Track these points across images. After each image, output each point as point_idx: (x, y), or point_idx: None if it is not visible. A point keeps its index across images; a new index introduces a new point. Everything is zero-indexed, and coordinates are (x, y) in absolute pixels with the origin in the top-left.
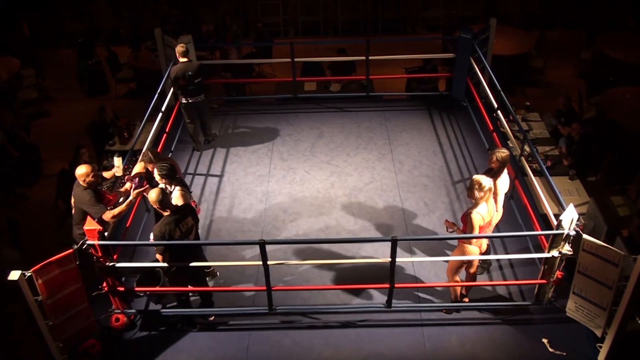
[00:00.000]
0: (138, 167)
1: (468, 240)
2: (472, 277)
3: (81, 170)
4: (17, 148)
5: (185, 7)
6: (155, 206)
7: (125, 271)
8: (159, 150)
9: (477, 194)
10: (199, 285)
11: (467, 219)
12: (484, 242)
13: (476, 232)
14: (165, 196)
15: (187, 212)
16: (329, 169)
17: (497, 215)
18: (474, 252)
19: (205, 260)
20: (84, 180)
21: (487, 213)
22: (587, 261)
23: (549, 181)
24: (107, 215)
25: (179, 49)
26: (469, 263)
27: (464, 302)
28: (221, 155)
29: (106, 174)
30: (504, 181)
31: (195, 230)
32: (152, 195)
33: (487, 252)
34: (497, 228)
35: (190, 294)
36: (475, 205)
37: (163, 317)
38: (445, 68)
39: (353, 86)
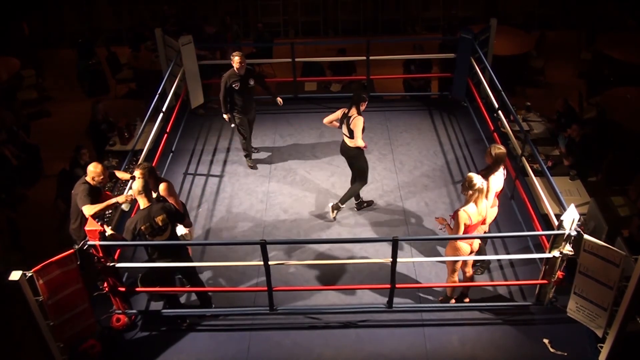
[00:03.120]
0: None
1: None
2: (468, 275)
3: (92, 166)
4: (17, 148)
5: (185, 7)
6: (135, 194)
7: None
8: (160, 149)
9: (466, 191)
10: (193, 281)
11: (455, 216)
12: (476, 241)
13: (461, 230)
14: (146, 187)
15: (164, 210)
16: (329, 169)
17: (492, 213)
18: (464, 249)
19: (190, 261)
20: (92, 178)
21: (477, 213)
22: (588, 261)
23: (549, 181)
24: (86, 211)
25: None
26: (464, 261)
27: (465, 302)
28: (222, 156)
29: (119, 175)
30: (497, 179)
31: (171, 229)
32: (135, 185)
33: (481, 251)
34: (497, 227)
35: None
36: (465, 203)
37: (164, 317)
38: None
39: (353, 86)
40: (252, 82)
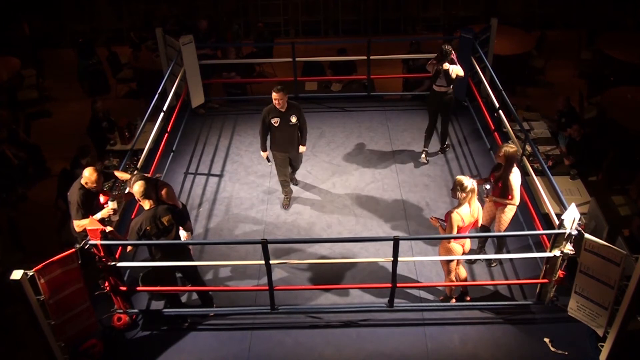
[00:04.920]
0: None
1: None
2: (462, 277)
3: (87, 172)
4: (17, 147)
5: (185, 7)
6: (138, 197)
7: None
8: (160, 148)
9: (459, 194)
10: (194, 281)
11: (447, 218)
12: (467, 242)
13: (454, 232)
14: (148, 188)
15: (169, 210)
16: (330, 169)
17: (512, 209)
18: (457, 250)
19: (192, 261)
20: (85, 182)
21: (469, 215)
22: (588, 260)
23: (550, 181)
24: (76, 225)
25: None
26: (458, 261)
27: (466, 300)
28: (222, 155)
29: (119, 174)
30: (516, 176)
31: (175, 230)
32: (135, 187)
33: (501, 245)
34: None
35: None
36: (459, 205)
37: (165, 317)
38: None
39: (354, 86)
40: (294, 120)
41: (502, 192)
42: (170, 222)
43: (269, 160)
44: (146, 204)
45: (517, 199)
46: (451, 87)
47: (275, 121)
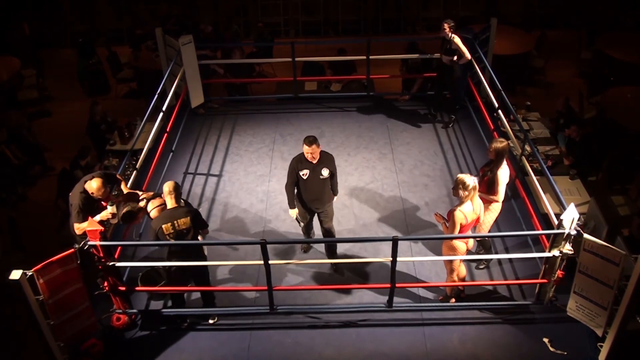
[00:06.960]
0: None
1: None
2: (462, 276)
3: (95, 184)
4: (20, 148)
5: (185, 7)
6: (168, 196)
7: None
8: (160, 148)
9: (461, 192)
10: (201, 285)
11: (450, 216)
12: (471, 239)
13: (457, 230)
14: (177, 189)
15: (189, 213)
16: None
17: (497, 206)
18: (461, 248)
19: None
20: (91, 192)
21: (472, 212)
22: (588, 260)
23: (549, 181)
24: (76, 228)
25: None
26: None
27: (461, 297)
28: (221, 155)
29: (124, 188)
30: (505, 172)
31: (193, 234)
32: (166, 188)
33: (486, 246)
34: (497, 226)
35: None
36: (460, 203)
37: (164, 317)
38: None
39: (354, 86)
40: (325, 174)
41: (488, 187)
42: (187, 225)
43: (299, 221)
44: (169, 202)
45: (500, 196)
46: None
47: (305, 174)
